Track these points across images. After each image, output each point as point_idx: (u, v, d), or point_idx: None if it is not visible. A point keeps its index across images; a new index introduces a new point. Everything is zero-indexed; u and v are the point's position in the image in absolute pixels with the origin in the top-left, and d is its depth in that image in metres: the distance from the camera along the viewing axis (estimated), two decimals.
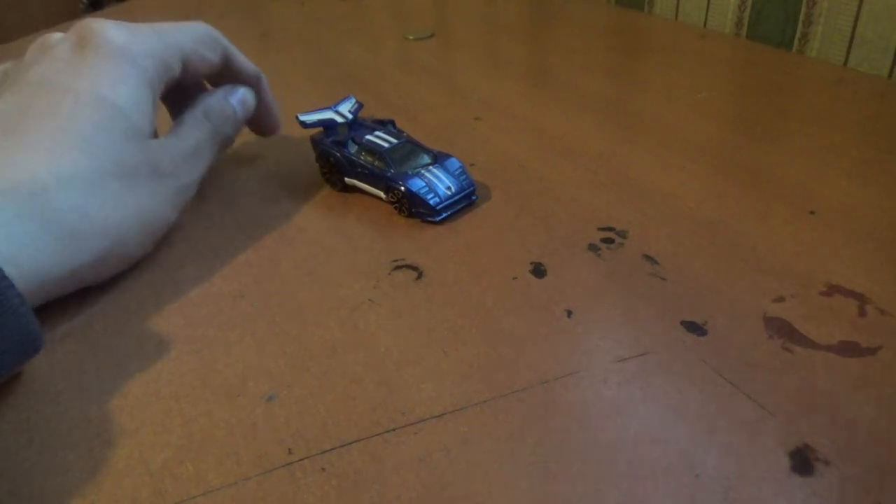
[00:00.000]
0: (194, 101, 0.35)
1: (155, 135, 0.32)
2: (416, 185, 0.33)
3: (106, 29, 0.31)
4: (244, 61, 0.38)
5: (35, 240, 0.26)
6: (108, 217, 0.28)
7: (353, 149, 0.35)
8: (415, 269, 0.30)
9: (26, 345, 0.24)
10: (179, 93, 0.38)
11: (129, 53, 0.31)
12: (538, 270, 0.30)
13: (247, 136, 0.43)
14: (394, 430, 0.22)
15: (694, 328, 0.26)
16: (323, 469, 0.21)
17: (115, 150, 0.29)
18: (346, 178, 0.36)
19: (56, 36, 0.32)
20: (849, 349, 0.24)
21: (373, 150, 0.35)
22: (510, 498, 0.20)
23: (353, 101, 0.38)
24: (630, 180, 0.36)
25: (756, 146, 0.38)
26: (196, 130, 0.34)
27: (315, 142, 0.37)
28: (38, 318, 0.25)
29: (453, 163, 0.35)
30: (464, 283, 0.29)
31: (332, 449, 0.22)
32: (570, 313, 0.27)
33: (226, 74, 0.37)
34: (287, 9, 0.74)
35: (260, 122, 0.39)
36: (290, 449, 0.22)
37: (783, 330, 0.25)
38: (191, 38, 0.34)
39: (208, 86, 0.39)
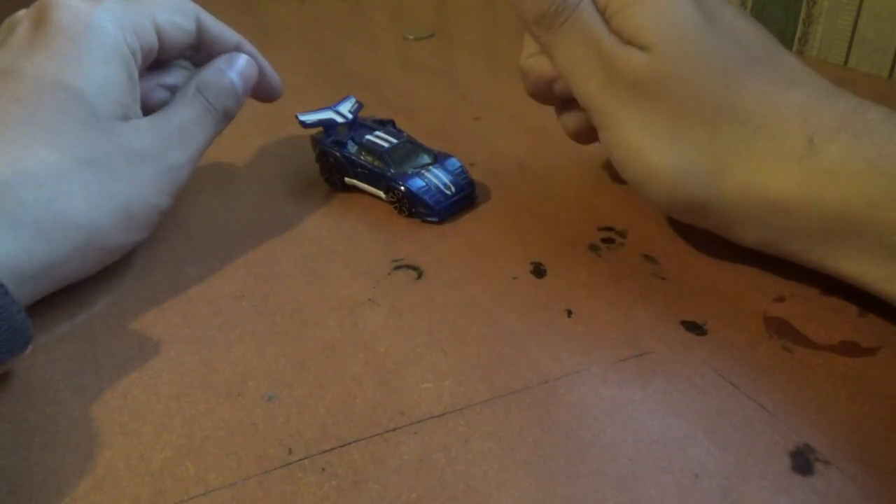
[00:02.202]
0: (190, 76, 0.34)
1: (134, 112, 0.31)
2: (416, 185, 0.33)
3: (63, 1, 0.29)
4: (221, 28, 0.35)
5: (3, 236, 0.25)
6: (77, 209, 0.27)
7: (353, 149, 0.35)
8: (415, 269, 0.30)
9: (14, 338, 0.23)
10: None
11: (89, 25, 0.29)
12: (538, 270, 0.30)
13: (247, 135, 0.43)
14: (394, 430, 0.22)
15: (694, 328, 0.26)
16: (323, 469, 0.21)
17: (79, 138, 0.28)
18: (346, 178, 0.36)
19: (20, 14, 0.31)
20: (849, 349, 0.24)
21: (373, 150, 0.35)
22: (510, 498, 0.20)
23: (353, 101, 0.38)
24: None
25: None
26: (185, 108, 0.32)
27: (315, 142, 0.37)
28: (36, 318, 0.25)
29: (453, 163, 0.35)
30: (464, 283, 0.29)
31: (332, 449, 0.22)
32: (570, 313, 0.27)
33: (203, 46, 0.35)
34: (287, 9, 0.74)
35: (256, 88, 0.36)
36: (290, 449, 0.22)
37: (783, 330, 0.25)
38: (160, 5, 0.32)
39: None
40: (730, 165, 0.25)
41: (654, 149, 0.26)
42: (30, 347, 0.24)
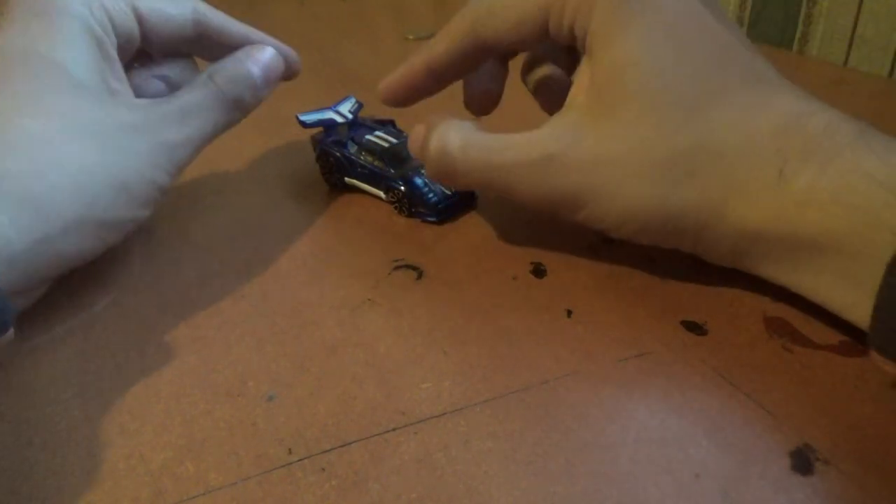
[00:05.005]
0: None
1: (124, 93, 0.30)
2: (417, 185, 0.33)
3: None
4: (224, 20, 0.34)
5: None
6: (70, 178, 0.26)
7: (353, 149, 0.35)
8: (415, 269, 0.30)
9: None
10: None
11: (53, 2, 0.29)
12: (538, 270, 0.30)
13: (247, 136, 0.43)
14: (394, 430, 0.22)
15: (694, 328, 0.26)
16: (323, 469, 0.21)
17: (62, 105, 0.27)
18: (346, 178, 0.36)
19: None
20: (849, 349, 0.24)
21: (373, 150, 0.35)
22: (510, 498, 0.20)
23: (353, 101, 0.38)
24: None
25: None
26: (191, 92, 0.31)
27: (315, 142, 0.37)
28: (37, 318, 0.25)
29: None
30: (464, 283, 0.29)
31: (332, 449, 0.22)
32: (570, 313, 0.27)
33: (206, 39, 0.34)
34: (287, 9, 0.74)
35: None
36: (290, 449, 0.22)
37: (783, 330, 0.25)
38: None
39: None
40: (714, 202, 0.25)
41: (647, 199, 0.25)
42: (10, 332, 0.23)
